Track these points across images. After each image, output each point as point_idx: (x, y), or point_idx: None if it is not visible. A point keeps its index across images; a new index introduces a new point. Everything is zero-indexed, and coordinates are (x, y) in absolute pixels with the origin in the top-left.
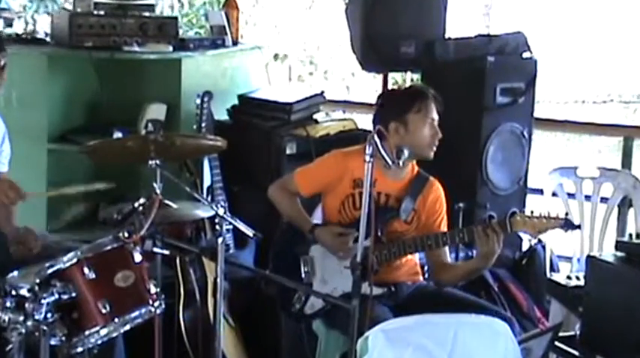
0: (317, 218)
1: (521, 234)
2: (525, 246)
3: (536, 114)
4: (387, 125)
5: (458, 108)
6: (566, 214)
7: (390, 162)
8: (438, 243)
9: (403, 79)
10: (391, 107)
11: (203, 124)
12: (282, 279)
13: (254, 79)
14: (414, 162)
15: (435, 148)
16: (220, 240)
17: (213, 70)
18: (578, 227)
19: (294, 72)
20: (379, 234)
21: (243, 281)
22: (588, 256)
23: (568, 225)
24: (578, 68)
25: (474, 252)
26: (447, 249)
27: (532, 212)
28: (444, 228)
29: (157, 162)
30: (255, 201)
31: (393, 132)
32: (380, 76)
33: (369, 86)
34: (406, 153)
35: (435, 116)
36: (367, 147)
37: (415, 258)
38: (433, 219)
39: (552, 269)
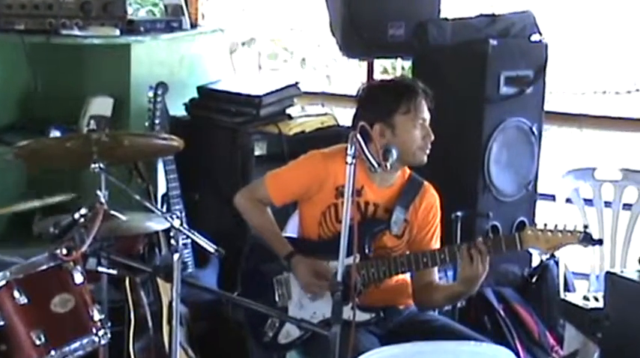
0: (291, 230)
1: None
2: (535, 262)
3: (547, 107)
4: (371, 126)
5: (455, 100)
6: (586, 227)
7: (375, 165)
8: (434, 261)
9: (393, 67)
10: (374, 106)
11: (156, 121)
12: (252, 303)
13: (216, 68)
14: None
15: (427, 151)
16: (177, 256)
17: (168, 57)
18: (600, 242)
19: (265, 59)
20: (366, 250)
21: (205, 306)
22: (608, 273)
23: (587, 239)
24: (597, 53)
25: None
26: (436, 268)
27: (545, 225)
28: (435, 243)
29: (102, 165)
30: (219, 211)
31: (377, 135)
32: (365, 64)
33: (352, 75)
34: (394, 153)
35: (427, 115)
36: (349, 146)
37: (407, 278)
38: (424, 231)
39: (567, 288)
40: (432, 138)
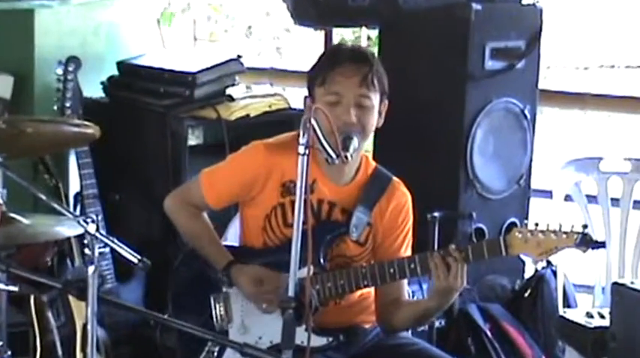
0: (232, 237)
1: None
2: (529, 272)
3: (542, 85)
4: (305, 100)
5: (431, 77)
6: (585, 227)
7: (332, 155)
8: (403, 273)
9: (356, 37)
10: (309, 74)
11: (67, 104)
12: (185, 325)
13: (141, 40)
14: (369, 157)
15: (352, 144)
16: (92, 269)
17: (82, 25)
18: (601, 245)
19: (201, 29)
20: (321, 260)
21: (128, 328)
22: (615, 284)
23: (586, 242)
24: (603, 19)
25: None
26: (405, 280)
27: (536, 225)
28: (405, 251)
29: None
30: (144, 214)
31: (307, 110)
32: (322, 34)
33: (306, 48)
34: (356, 140)
35: (347, 90)
36: (301, 133)
37: (372, 289)
38: (392, 238)
39: (567, 303)
40: (353, 120)
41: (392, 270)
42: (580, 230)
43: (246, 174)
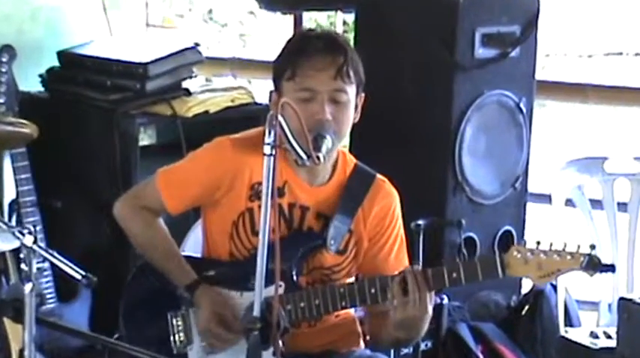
0: (193, 247)
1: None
2: (526, 287)
3: (540, 76)
4: (270, 95)
5: (414, 68)
6: (592, 247)
7: (303, 156)
8: (386, 294)
9: (330, 22)
10: (274, 66)
11: (1, 100)
12: (138, 350)
13: (85, 26)
14: (347, 153)
15: (325, 143)
16: (29, 287)
17: (16, 10)
18: (611, 268)
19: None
20: (294, 276)
21: (72, 354)
22: (623, 300)
23: (594, 265)
24: (607, 3)
25: (444, 298)
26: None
27: (538, 244)
28: (396, 259)
29: None
30: (90, 224)
31: (273, 106)
32: (291, 19)
33: (274, 35)
34: (329, 139)
35: (320, 85)
36: (267, 132)
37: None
38: (379, 245)
39: (569, 322)
40: (328, 118)
41: (373, 290)
42: (587, 251)
43: (210, 173)
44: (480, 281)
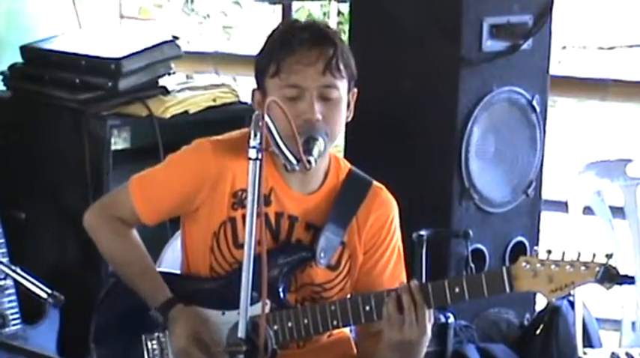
0: (170, 262)
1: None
2: (541, 304)
3: (555, 71)
4: (252, 93)
5: (416, 62)
6: (609, 257)
7: (292, 161)
8: (381, 312)
9: (324, 13)
10: (255, 63)
11: None
12: None
13: (51, 19)
14: (340, 158)
15: (312, 144)
16: None
17: None
18: (631, 280)
19: (129, 4)
20: (280, 293)
21: None
22: None
23: (611, 277)
24: None
25: (450, 316)
26: None
27: (549, 253)
28: (393, 274)
29: None
30: (57, 238)
31: (256, 105)
32: (279, 9)
33: (261, 27)
34: (321, 142)
35: (308, 81)
36: (253, 134)
37: (347, 330)
38: (375, 257)
39: (588, 342)
40: (318, 117)
41: (368, 308)
42: (603, 261)
43: (189, 179)
44: (485, 297)
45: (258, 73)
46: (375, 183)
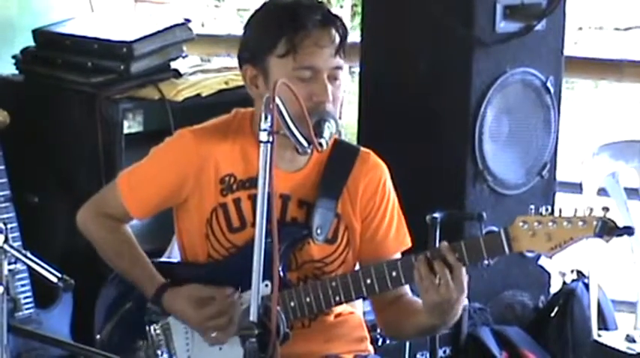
0: (178, 253)
1: (544, 263)
2: (556, 286)
3: (570, 51)
4: (240, 67)
5: (428, 44)
6: (606, 209)
7: (304, 143)
8: (383, 284)
9: None
10: (245, 38)
11: None
12: None
13: (63, 3)
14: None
15: (323, 125)
16: (0, 290)
17: None
18: (629, 231)
19: None
20: (280, 272)
21: None
22: None
23: (609, 229)
24: None
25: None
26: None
27: (547, 210)
28: (397, 237)
29: None
30: (69, 221)
31: (248, 81)
32: None
33: None
34: (333, 123)
35: (322, 63)
36: (263, 116)
37: (358, 307)
38: (375, 224)
39: (603, 324)
40: (330, 99)
41: (369, 281)
42: (600, 214)
43: (173, 170)
44: (485, 260)
45: (256, 51)
46: (363, 149)
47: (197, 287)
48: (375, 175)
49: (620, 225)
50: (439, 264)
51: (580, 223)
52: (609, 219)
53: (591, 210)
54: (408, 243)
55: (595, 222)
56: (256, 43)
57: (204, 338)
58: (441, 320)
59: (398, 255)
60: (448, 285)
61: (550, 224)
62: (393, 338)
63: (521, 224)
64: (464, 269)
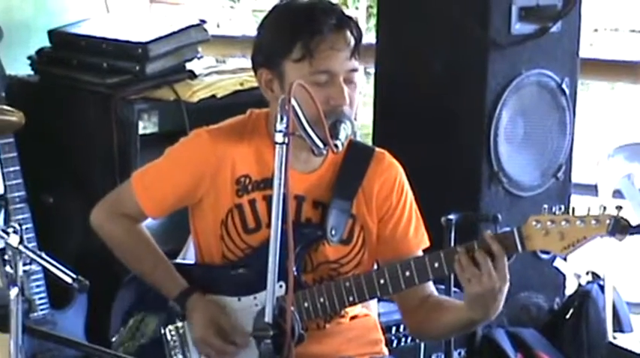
0: (193, 254)
1: (559, 265)
2: (571, 288)
3: (585, 53)
4: (255, 72)
5: (444, 46)
6: (619, 208)
7: (319, 145)
8: (397, 284)
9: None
10: (259, 41)
11: None
12: None
13: (79, 3)
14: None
15: (343, 130)
16: (15, 291)
17: None
18: None
19: None
20: (294, 273)
21: None
22: None
23: (622, 227)
24: None
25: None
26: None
27: (561, 209)
28: (420, 235)
29: None
30: (85, 222)
31: (263, 84)
32: None
33: None
34: (348, 125)
35: (338, 66)
36: (279, 117)
37: (373, 309)
38: (392, 223)
39: (618, 326)
40: (347, 102)
41: (382, 281)
42: (613, 213)
43: (188, 170)
44: None
45: (270, 54)
46: (378, 149)
47: (223, 315)
48: (390, 175)
49: (634, 223)
50: (481, 254)
51: (593, 222)
52: (622, 218)
53: (604, 208)
54: (426, 241)
55: (608, 221)
56: (271, 47)
57: (198, 351)
58: (483, 313)
59: (419, 253)
60: (491, 275)
61: (563, 223)
62: (426, 340)
63: (534, 223)
64: (506, 259)
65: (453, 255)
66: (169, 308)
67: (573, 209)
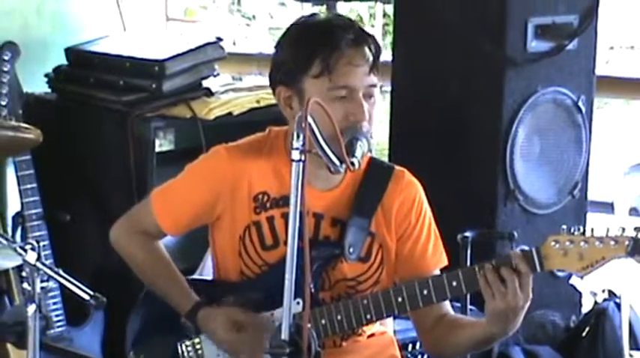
0: (210, 270)
1: (576, 283)
2: (587, 305)
3: (601, 71)
4: (274, 90)
5: (460, 63)
6: (638, 230)
7: (336, 162)
8: (415, 302)
9: (370, 14)
10: (278, 59)
11: (2, 102)
12: None
13: (95, 21)
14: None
15: (360, 146)
16: (33, 308)
17: (21, 4)
18: None
19: (175, 5)
20: (311, 290)
21: None
22: None
23: None
24: None
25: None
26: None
27: (579, 230)
28: (435, 256)
29: None
30: (101, 239)
31: (282, 102)
32: (323, 10)
33: None
34: (365, 142)
35: (357, 82)
36: (295, 134)
37: (389, 327)
38: (411, 241)
39: (635, 344)
40: (367, 118)
41: (400, 299)
42: (632, 234)
43: (207, 187)
44: None
45: (289, 71)
46: (397, 167)
47: (234, 310)
48: (410, 193)
49: None
50: (508, 271)
51: (612, 243)
52: None
53: (623, 229)
54: (445, 260)
55: (627, 242)
56: (289, 64)
57: (229, 355)
58: (503, 329)
59: (437, 272)
60: (516, 293)
61: (582, 243)
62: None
63: (553, 243)
64: (531, 277)
65: (471, 274)
66: (181, 326)
67: (592, 229)
